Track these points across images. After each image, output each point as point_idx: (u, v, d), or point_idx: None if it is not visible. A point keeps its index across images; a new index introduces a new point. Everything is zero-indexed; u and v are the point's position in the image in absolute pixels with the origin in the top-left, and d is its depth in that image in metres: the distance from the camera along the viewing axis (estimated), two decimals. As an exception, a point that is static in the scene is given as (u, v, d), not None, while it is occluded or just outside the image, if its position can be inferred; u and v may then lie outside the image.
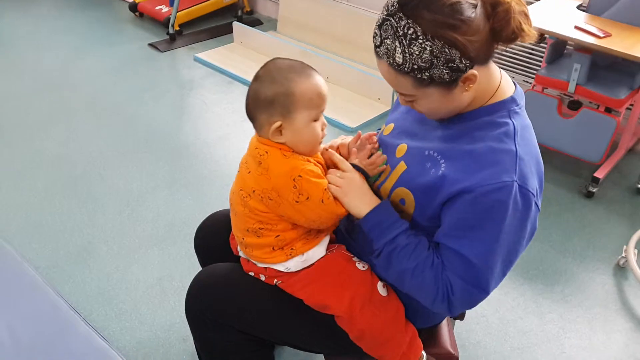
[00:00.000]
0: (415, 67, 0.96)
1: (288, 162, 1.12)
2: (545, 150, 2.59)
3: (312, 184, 1.11)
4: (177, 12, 3.84)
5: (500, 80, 1.09)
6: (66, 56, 3.67)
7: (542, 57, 2.91)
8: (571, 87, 2.37)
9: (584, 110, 2.38)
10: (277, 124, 1.11)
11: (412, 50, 0.95)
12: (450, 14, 0.92)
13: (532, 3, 2.64)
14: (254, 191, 1.15)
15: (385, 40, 0.97)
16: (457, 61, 0.95)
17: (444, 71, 0.96)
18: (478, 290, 1.05)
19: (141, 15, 4.23)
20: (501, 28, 0.97)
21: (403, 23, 0.94)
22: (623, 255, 2.12)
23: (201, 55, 3.65)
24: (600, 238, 2.27)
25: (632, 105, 2.54)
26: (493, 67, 1.07)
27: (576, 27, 2.28)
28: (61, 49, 3.76)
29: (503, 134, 1.04)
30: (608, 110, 2.38)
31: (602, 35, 2.21)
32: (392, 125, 1.25)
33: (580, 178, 2.60)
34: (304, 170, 1.11)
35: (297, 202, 1.11)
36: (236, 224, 1.25)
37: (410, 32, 0.94)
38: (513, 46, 3.04)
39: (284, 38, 3.85)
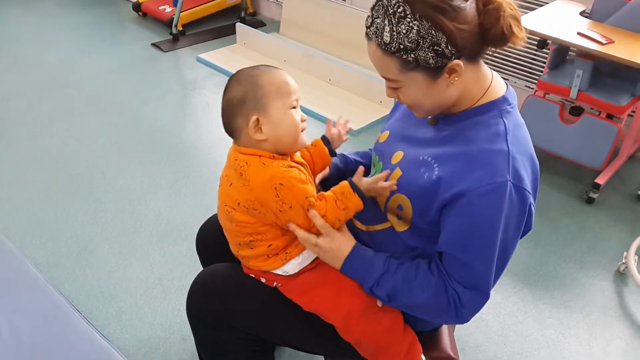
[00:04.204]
0: (402, 46, 0.98)
1: (268, 171, 1.11)
2: (547, 156, 2.60)
3: (293, 193, 1.10)
4: (181, 12, 3.84)
5: (491, 81, 1.10)
6: (69, 55, 3.67)
7: (544, 62, 2.91)
8: (573, 93, 2.37)
9: (586, 117, 2.39)
10: (254, 117, 1.12)
11: (400, 29, 0.97)
12: None
13: (535, 9, 2.64)
14: (238, 203, 1.14)
15: (376, 20, 1.00)
16: (443, 46, 0.97)
17: (429, 54, 0.98)
18: (481, 295, 1.07)
19: (144, 15, 4.24)
20: (490, 25, 0.99)
21: (394, 2, 0.97)
22: (623, 261, 2.12)
23: (204, 56, 3.66)
24: (601, 244, 2.27)
25: (633, 112, 2.55)
26: (484, 68, 1.08)
27: (579, 34, 2.29)
28: (64, 47, 3.77)
29: (494, 133, 1.04)
30: (610, 116, 2.38)
31: (604, 42, 2.22)
32: (387, 133, 1.26)
33: (581, 184, 2.60)
34: (284, 178, 1.10)
35: (280, 211, 1.11)
36: (229, 239, 1.26)
37: (399, 10, 0.96)
38: (515, 51, 3.04)
39: (287, 40, 3.85)
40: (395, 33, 0.97)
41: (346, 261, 1.14)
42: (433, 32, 0.96)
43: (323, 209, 1.12)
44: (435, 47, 0.97)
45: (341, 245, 1.14)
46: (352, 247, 1.15)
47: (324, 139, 1.34)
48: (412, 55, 0.98)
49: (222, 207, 1.20)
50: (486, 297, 1.07)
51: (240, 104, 1.13)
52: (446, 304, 1.08)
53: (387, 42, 0.99)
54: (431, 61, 0.98)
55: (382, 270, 1.12)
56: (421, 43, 0.97)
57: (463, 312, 1.08)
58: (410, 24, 0.96)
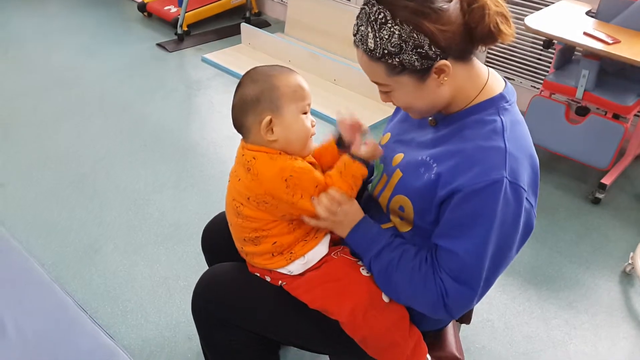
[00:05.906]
0: (386, 51, 0.99)
1: (276, 164, 1.13)
2: (552, 156, 2.59)
3: (303, 182, 1.12)
4: (186, 12, 3.85)
5: (487, 78, 1.10)
6: (75, 55, 3.68)
7: (550, 62, 2.91)
8: (579, 93, 2.37)
9: (592, 117, 2.38)
10: (267, 118, 1.12)
11: (382, 35, 0.98)
12: (422, 2, 0.96)
13: (540, 8, 2.64)
14: (248, 198, 1.15)
15: (360, 28, 1.02)
16: (427, 48, 0.98)
17: (414, 57, 0.99)
18: (468, 289, 1.06)
19: (150, 15, 4.25)
20: (476, 24, 0.99)
21: (375, 9, 0.99)
22: (629, 262, 2.11)
23: (209, 56, 3.66)
24: (607, 244, 2.26)
25: (640, 112, 2.54)
26: (478, 66, 1.08)
27: (585, 33, 2.28)
28: (70, 47, 3.78)
29: (491, 131, 1.04)
30: (616, 116, 2.37)
31: (610, 42, 2.21)
32: (388, 135, 1.27)
33: (587, 184, 2.59)
34: (293, 169, 1.12)
35: (292, 202, 1.12)
36: (234, 234, 1.26)
37: (380, 16, 0.98)
38: (521, 51, 3.04)
39: (292, 40, 3.85)
40: (378, 39, 0.99)
41: (355, 227, 1.15)
42: (415, 35, 0.97)
43: (330, 185, 1.15)
44: (419, 50, 0.98)
45: (354, 214, 1.16)
46: (363, 216, 1.17)
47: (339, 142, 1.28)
48: (397, 59, 0.99)
49: (230, 201, 1.20)
50: (474, 292, 1.06)
51: (254, 102, 1.13)
52: (434, 294, 1.07)
53: (372, 48, 1.00)
54: (416, 63, 0.99)
55: (387, 242, 1.13)
56: (404, 47, 0.98)
57: (449, 304, 1.06)
58: (392, 29, 0.97)
